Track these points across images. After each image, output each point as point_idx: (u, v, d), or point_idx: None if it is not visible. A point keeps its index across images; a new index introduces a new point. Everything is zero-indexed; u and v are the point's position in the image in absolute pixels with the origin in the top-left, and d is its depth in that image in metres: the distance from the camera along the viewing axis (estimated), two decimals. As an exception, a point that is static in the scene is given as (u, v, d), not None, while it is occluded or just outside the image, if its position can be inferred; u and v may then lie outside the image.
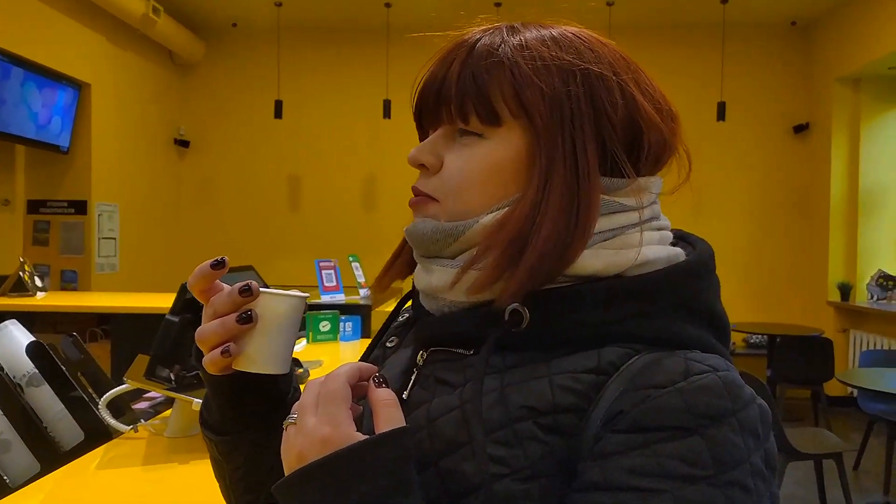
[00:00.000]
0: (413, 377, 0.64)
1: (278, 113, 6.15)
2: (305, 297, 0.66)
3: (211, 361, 0.63)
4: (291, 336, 0.65)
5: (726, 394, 0.52)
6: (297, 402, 0.58)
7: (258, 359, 0.63)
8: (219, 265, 0.63)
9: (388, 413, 0.55)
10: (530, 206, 0.58)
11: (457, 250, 0.62)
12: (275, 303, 0.63)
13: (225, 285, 0.64)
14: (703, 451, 0.50)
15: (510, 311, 0.58)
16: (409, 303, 0.73)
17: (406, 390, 0.64)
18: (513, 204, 0.60)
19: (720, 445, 0.50)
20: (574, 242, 0.57)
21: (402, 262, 0.71)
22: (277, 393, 0.72)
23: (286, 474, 0.55)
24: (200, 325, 0.64)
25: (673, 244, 0.65)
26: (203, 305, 0.64)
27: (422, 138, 0.68)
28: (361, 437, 0.53)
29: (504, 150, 0.61)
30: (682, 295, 0.59)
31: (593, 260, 0.58)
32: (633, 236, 0.60)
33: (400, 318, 0.76)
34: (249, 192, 7.02)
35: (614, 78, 0.61)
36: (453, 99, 0.61)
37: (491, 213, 0.60)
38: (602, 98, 0.60)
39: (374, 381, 0.57)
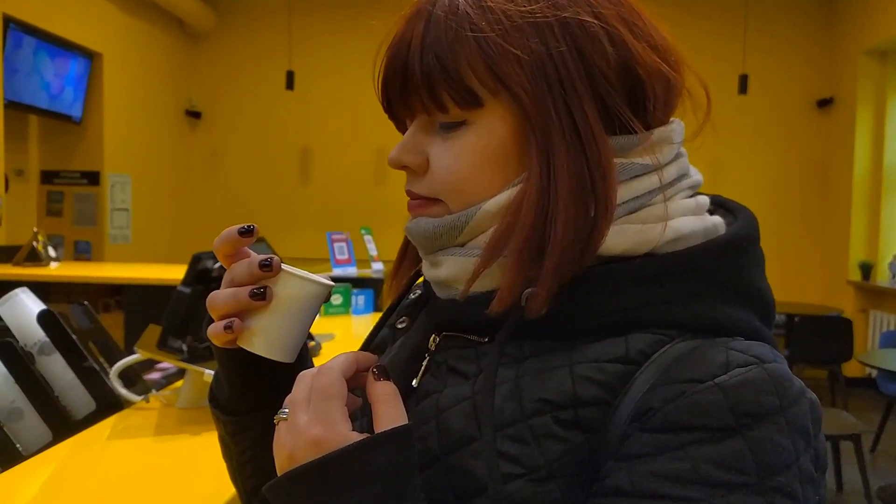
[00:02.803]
0: (425, 363, 0.59)
1: (290, 84, 6.10)
2: (330, 286, 0.60)
3: (214, 333, 0.59)
4: (305, 324, 0.60)
5: (773, 389, 0.46)
6: (288, 395, 0.54)
7: (264, 341, 0.58)
8: (247, 232, 0.59)
9: (388, 409, 0.50)
10: (537, 195, 0.51)
11: (463, 241, 0.56)
12: (294, 284, 0.58)
13: (253, 253, 0.60)
14: (746, 454, 0.44)
15: (527, 295, 0.51)
16: (421, 279, 0.67)
17: (416, 377, 0.59)
18: (517, 188, 0.53)
19: (765, 448, 0.45)
20: (598, 223, 0.50)
21: (410, 259, 0.67)
22: (290, 371, 0.65)
23: (277, 474, 0.51)
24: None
25: (710, 212, 0.58)
26: (215, 277, 0.60)
27: (398, 127, 0.62)
28: (356, 437, 0.49)
29: (492, 134, 0.53)
30: (723, 273, 0.53)
31: (619, 238, 0.52)
32: (661, 206, 0.53)
33: (411, 296, 0.69)
34: (261, 164, 7.00)
35: (597, 23, 0.52)
36: (421, 87, 0.54)
37: (493, 198, 0.54)
38: (589, 50, 0.51)
39: (373, 373, 0.52)
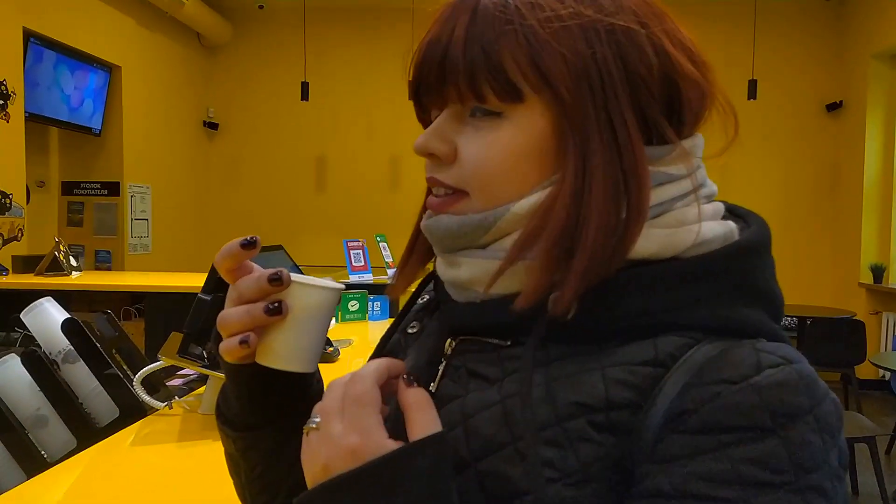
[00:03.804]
0: (441, 368, 0.58)
1: (305, 94, 6.15)
2: (340, 289, 0.59)
3: (228, 350, 0.56)
4: (322, 331, 0.58)
5: (804, 389, 0.47)
6: (319, 404, 0.52)
7: (283, 354, 0.56)
8: (249, 245, 0.56)
9: (422, 416, 0.50)
10: (570, 196, 0.50)
11: (488, 241, 0.55)
12: (307, 294, 0.56)
13: (257, 266, 0.59)
14: (782, 454, 0.45)
15: (553, 299, 0.50)
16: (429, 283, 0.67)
17: (434, 382, 0.58)
18: (547, 191, 0.52)
19: (799, 447, 0.45)
20: (630, 229, 0.50)
21: (418, 255, 0.65)
22: (303, 385, 0.65)
23: (309, 485, 0.50)
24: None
25: (724, 218, 0.58)
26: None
27: (420, 117, 0.61)
28: (394, 445, 0.48)
29: (528, 130, 0.53)
30: (744, 276, 0.53)
31: (646, 242, 0.51)
32: (688, 211, 0.53)
33: (420, 301, 0.68)
34: (277, 173, 7.05)
35: (643, 31, 0.52)
36: (462, 74, 0.53)
37: (524, 199, 0.53)
38: (633, 57, 0.51)
39: (404, 380, 0.52)
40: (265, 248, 1.70)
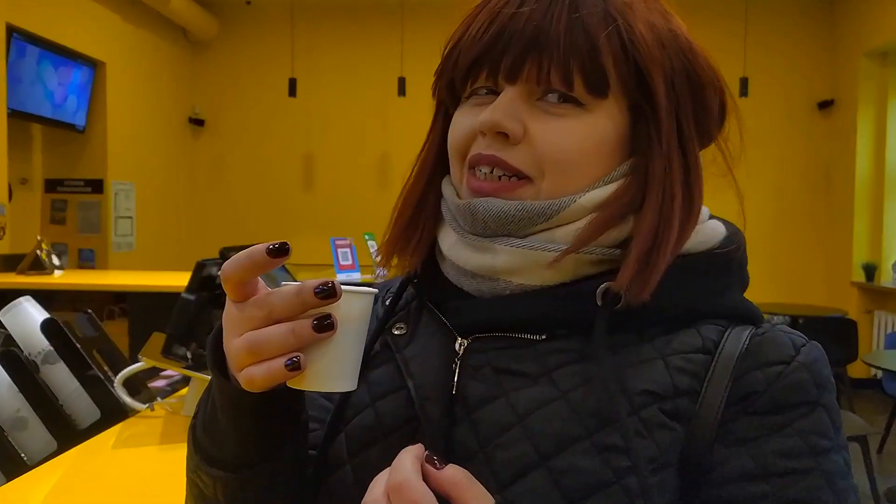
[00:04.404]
0: (457, 369, 0.56)
1: (292, 91, 6.12)
2: (375, 293, 0.53)
3: (266, 376, 0.47)
4: (364, 341, 0.52)
5: (825, 361, 0.54)
6: None
7: (331, 374, 0.49)
8: (279, 251, 0.47)
9: (471, 493, 0.45)
10: (657, 198, 0.54)
11: (536, 230, 0.54)
12: (353, 302, 0.49)
13: (262, 281, 0.51)
14: (827, 420, 0.52)
15: (602, 291, 0.53)
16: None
17: (453, 384, 0.55)
18: (613, 185, 0.55)
19: (834, 412, 0.53)
20: (688, 229, 0.55)
21: (426, 237, 0.61)
22: (299, 409, 0.58)
23: None
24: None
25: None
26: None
27: (449, 92, 0.58)
28: None
29: (608, 125, 0.54)
30: (742, 268, 0.60)
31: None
32: (703, 210, 0.59)
33: (386, 303, 0.64)
34: (264, 171, 7.01)
35: (700, 50, 0.58)
36: (558, 55, 0.51)
37: (590, 192, 0.54)
38: (697, 72, 0.56)
39: (433, 463, 0.46)
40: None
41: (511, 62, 0.53)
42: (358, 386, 0.52)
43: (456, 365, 0.56)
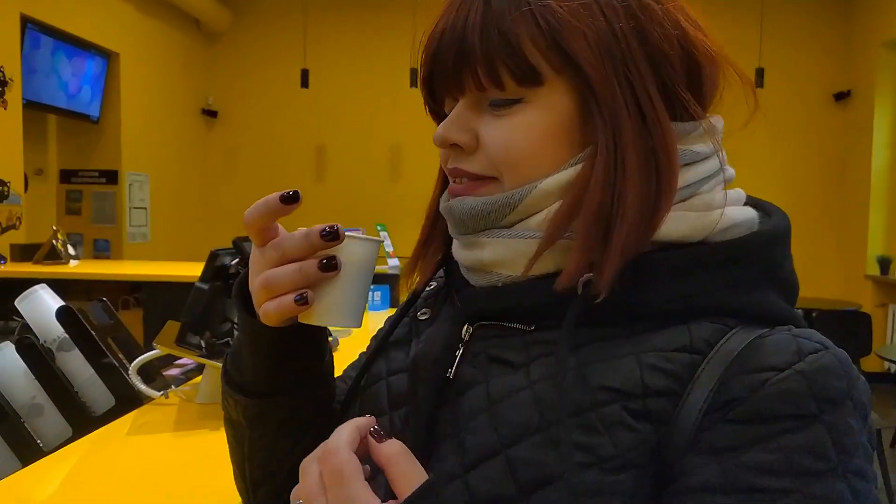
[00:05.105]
0: (459, 354, 0.57)
1: (305, 82, 6.11)
2: (381, 242, 0.59)
3: (278, 310, 0.54)
4: (368, 285, 0.58)
5: (843, 373, 0.47)
6: (295, 489, 0.49)
7: (335, 310, 0.55)
8: (290, 199, 0.55)
9: (403, 469, 0.47)
10: (604, 172, 0.50)
11: (513, 221, 0.54)
12: (356, 247, 0.56)
13: (282, 228, 0.58)
14: (827, 440, 0.45)
15: (584, 282, 0.50)
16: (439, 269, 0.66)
17: (451, 368, 0.57)
18: (576, 168, 0.52)
19: (841, 432, 0.45)
20: (660, 206, 0.50)
21: (437, 243, 0.64)
22: (320, 352, 0.64)
23: None
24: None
25: (745, 205, 0.59)
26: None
27: (431, 107, 0.60)
28: None
29: (552, 111, 0.52)
30: (772, 263, 0.54)
31: (677, 224, 0.51)
32: (715, 195, 0.54)
33: (428, 288, 0.67)
34: (276, 161, 7.03)
35: (657, 6, 0.52)
36: (480, 61, 0.52)
37: (550, 176, 0.52)
38: (651, 31, 0.51)
39: (374, 436, 0.49)
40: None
41: (450, 80, 0.55)
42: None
43: (459, 350, 0.57)
